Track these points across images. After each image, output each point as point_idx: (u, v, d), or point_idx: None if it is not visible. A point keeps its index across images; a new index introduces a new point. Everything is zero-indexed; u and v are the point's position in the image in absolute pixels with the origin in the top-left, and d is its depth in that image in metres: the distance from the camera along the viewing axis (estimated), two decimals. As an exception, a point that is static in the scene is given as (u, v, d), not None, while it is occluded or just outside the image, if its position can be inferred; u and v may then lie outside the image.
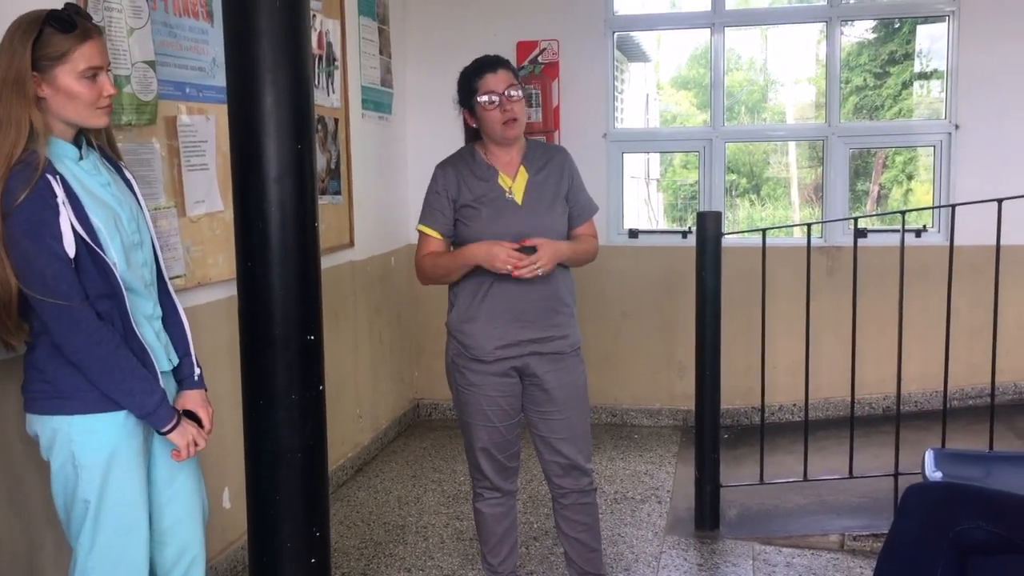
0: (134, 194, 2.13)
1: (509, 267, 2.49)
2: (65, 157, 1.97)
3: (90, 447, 1.98)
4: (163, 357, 2.12)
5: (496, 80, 2.57)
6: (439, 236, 2.67)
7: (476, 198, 2.63)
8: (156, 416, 2.02)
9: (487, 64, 2.61)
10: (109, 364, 1.94)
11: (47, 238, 1.86)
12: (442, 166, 2.71)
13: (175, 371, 2.19)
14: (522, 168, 2.66)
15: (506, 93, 2.57)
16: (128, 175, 2.14)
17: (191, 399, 2.19)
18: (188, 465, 2.18)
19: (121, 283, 1.98)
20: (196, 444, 2.11)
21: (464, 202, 2.63)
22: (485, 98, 2.57)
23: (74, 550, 2.02)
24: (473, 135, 2.72)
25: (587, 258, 2.75)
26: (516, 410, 2.73)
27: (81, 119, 1.97)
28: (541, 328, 2.64)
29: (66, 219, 1.88)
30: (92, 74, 1.94)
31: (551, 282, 2.62)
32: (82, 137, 2.03)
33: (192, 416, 2.16)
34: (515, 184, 2.64)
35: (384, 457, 4.59)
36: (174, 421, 2.05)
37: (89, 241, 1.91)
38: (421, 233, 2.70)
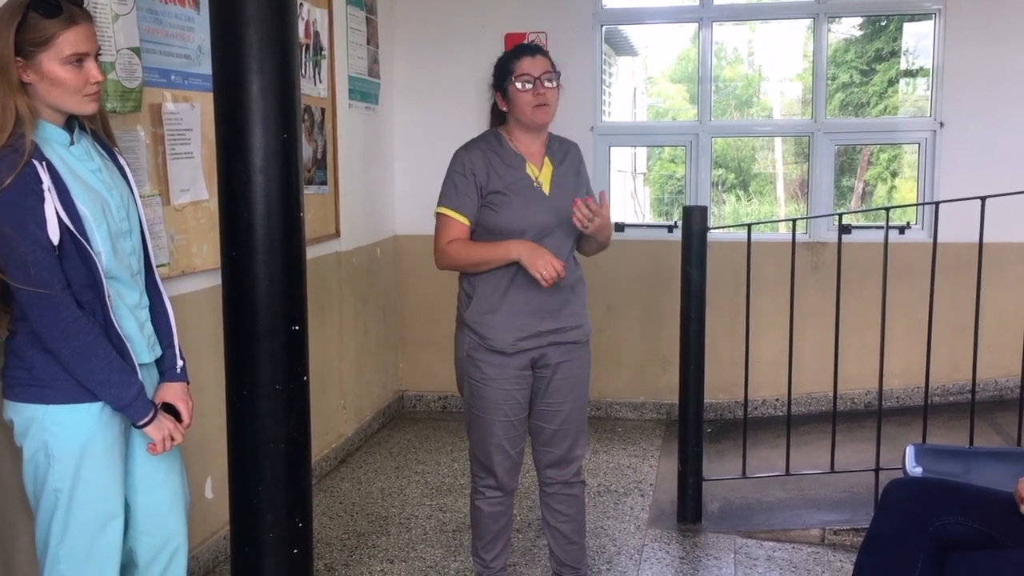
0: (127, 181, 2.10)
1: (542, 275, 2.45)
2: (54, 142, 1.95)
3: (64, 437, 1.96)
4: (145, 349, 2.10)
5: (533, 64, 2.57)
6: (466, 221, 2.59)
7: (506, 185, 2.58)
8: (132, 409, 2.00)
9: (527, 49, 2.62)
10: (86, 354, 1.92)
11: (31, 225, 1.84)
12: (467, 148, 2.63)
13: (158, 362, 2.17)
14: (547, 159, 2.66)
15: (541, 78, 2.56)
16: (122, 161, 2.11)
17: (171, 392, 2.17)
18: (170, 455, 2.16)
19: (103, 273, 1.95)
20: (172, 438, 2.09)
21: (493, 188, 2.58)
22: (520, 81, 2.56)
23: (44, 537, 2.00)
24: (498, 120, 2.70)
25: (606, 245, 2.73)
26: (527, 403, 2.71)
27: (67, 106, 1.94)
28: (559, 318, 2.64)
29: (51, 206, 1.86)
30: (77, 60, 1.91)
31: (570, 273, 2.63)
32: (74, 122, 2.01)
33: (171, 409, 2.14)
34: (542, 174, 2.63)
35: (368, 448, 4.59)
36: (151, 415, 2.03)
37: (73, 230, 1.89)
38: (443, 216, 2.60)
